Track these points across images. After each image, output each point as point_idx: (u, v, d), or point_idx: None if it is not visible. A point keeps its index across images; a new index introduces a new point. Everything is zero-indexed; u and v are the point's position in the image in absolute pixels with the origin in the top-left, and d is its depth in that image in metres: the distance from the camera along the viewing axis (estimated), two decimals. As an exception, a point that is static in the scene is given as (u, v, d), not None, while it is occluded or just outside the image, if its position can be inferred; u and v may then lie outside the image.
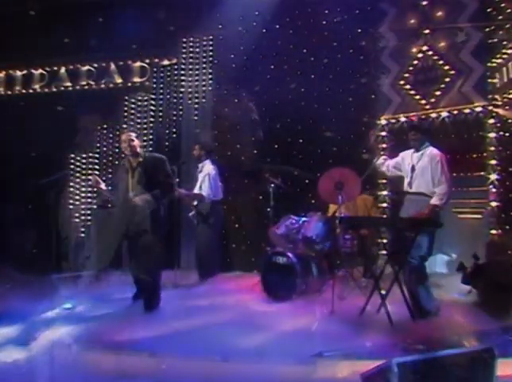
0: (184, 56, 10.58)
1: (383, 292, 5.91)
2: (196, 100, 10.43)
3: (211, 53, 10.47)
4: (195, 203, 8.05)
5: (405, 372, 3.23)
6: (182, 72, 10.53)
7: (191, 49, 10.55)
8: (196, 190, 8.05)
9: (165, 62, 10.85)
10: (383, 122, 9.91)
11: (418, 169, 6.18)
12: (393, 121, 9.80)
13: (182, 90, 10.50)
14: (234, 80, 10.23)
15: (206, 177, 7.96)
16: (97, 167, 10.70)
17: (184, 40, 10.55)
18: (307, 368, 4.43)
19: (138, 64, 10.97)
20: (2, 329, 5.48)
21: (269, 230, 7.90)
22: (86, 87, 11.21)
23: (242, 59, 10.20)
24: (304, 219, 7.58)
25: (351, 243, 7.46)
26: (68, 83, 11.27)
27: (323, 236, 7.36)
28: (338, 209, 7.29)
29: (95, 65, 11.17)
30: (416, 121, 9.13)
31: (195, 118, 10.35)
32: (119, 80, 11.07)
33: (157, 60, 10.87)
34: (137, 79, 10.98)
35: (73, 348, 4.93)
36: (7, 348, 5.06)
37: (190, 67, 10.52)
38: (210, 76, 10.44)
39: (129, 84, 11.01)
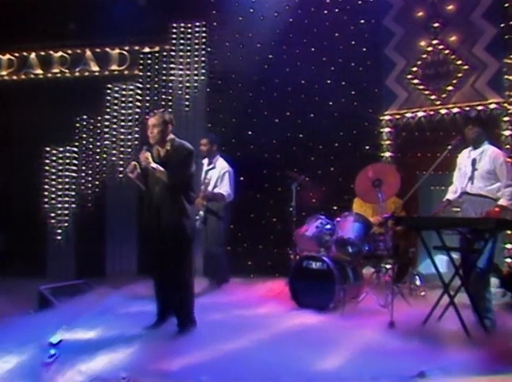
0: (174, 42, 10.08)
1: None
2: (188, 91, 9.99)
3: (203, 40, 10.04)
4: (204, 202, 7.48)
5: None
6: (172, 60, 10.08)
7: (182, 36, 10.09)
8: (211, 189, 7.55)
9: (146, 49, 10.20)
10: (387, 117, 9.59)
11: (479, 169, 5.98)
12: (399, 117, 9.56)
13: (172, 78, 10.04)
14: (228, 70, 9.87)
15: (225, 175, 7.59)
16: (75, 162, 10.00)
17: (175, 25, 10.11)
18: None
19: (117, 51, 10.40)
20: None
21: (296, 232, 7.48)
22: (59, 74, 10.50)
23: (238, 47, 9.92)
24: (337, 219, 7.12)
25: (384, 246, 6.97)
26: (39, 71, 10.52)
27: (361, 238, 6.89)
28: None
29: (69, 52, 10.50)
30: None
31: (187, 109, 9.90)
32: (95, 68, 10.39)
33: (137, 48, 10.28)
34: (115, 68, 10.39)
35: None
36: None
37: (181, 54, 10.07)
38: (202, 65, 10.01)
39: (107, 73, 10.40)
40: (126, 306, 6.75)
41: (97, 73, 10.38)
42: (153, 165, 5.42)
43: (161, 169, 5.39)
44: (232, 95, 9.79)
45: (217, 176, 7.57)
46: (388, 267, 7.27)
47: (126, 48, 10.31)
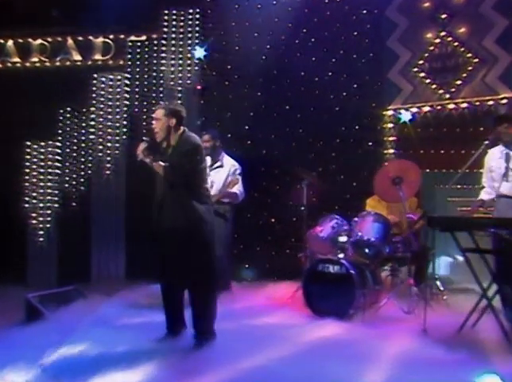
0: (165, 30, 9.46)
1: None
2: (180, 82, 9.40)
3: (197, 29, 9.43)
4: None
5: None
6: (163, 49, 9.46)
7: (174, 23, 9.46)
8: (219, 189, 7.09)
9: (132, 38, 9.56)
10: (390, 112, 9.22)
11: None
12: (402, 111, 9.13)
13: (163, 69, 9.44)
14: (224, 61, 9.42)
15: (237, 172, 7.18)
16: (58, 158, 9.36)
17: (166, 12, 9.47)
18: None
19: (101, 39, 9.75)
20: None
21: (309, 233, 7.09)
22: (38, 64, 9.82)
23: (234, 37, 9.43)
24: (355, 219, 6.76)
25: (403, 247, 6.70)
26: (17, 60, 9.83)
27: (382, 239, 6.53)
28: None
29: (49, 39, 9.81)
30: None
31: (179, 102, 9.06)
32: (78, 57, 9.75)
33: (122, 36, 9.64)
34: (98, 57, 9.75)
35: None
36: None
37: (172, 43, 9.45)
38: (196, 57, 9.37)
39: (90, 63, 9.73)
40: (124, 317, 6.26)
41: (79, 63, 9.71)
42: (148, 159, 5.02)
43: (160, 163, 4.97)
44: (227, 87, 9.32)
45: (226, 174, 7.11)
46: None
47: (111, 36, 9.68)
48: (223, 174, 7.13)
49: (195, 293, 5.11)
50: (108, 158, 9.31)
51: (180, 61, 9.36)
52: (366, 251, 6.60)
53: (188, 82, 9.31)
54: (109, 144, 9.33)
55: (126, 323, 6.00)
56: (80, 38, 9.73)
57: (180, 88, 9.30)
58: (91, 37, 9.72)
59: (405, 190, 6.53)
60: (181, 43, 9.35)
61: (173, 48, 9.35)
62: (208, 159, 7.09)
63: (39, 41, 9.81)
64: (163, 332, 5.35)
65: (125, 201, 9.20)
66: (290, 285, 7.51)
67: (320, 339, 5.44)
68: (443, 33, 8.85)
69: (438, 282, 7.06)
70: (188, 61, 9.33)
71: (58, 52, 9.74)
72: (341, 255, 6.59)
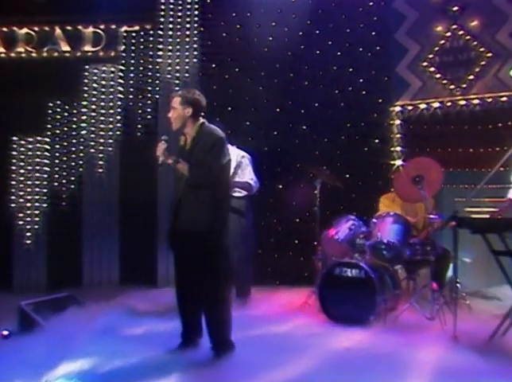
0: (161, 20, 8.95)
1: None
2: (177, 75, 8.91)
3: (196, 19, 8.95)
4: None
5: None
6: (159, 40, 8.95)
7: (171, 13, 8.95)
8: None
9: (124, 28, 9.07)
10: (398, 108, 8.89)
11: None
12: (411, 107, 8.85)
13: (159, 61, 8.93)
14: (224, 52, 8.95)
15: (245, 161, 6.89)
16: (47, 155, 8.77)
17: (163, 1, 8.96)
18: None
19: (91, 29, 9.20)
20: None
21: (323, 234, 6.80)
22: (23, 54, 9.22)
23: (235, 27, 8.99)
24: (373, 220, 6.56)
25: (421, 249, 6.41)
26: (1, 49, 9.24)
27: (403, 242, 6.30)
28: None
29: (36, 29, 9.23)
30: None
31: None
32: (66, 48, 9.19)
33: (114, 27, 9.15)
34: (88, 48, 9.21)
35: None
36: None
37: (169, 34, 8.94)
38: (194, 47, 8.94)
39: (79, 54, 9.16)
40: (127, 325, 5.83)
41: (68, 54, 9.15)
42: (170, 160, 4.69)
43: (181, 162, 4.65)
44: (228, 80, 8.83)
45: (234, 165, 6.63)
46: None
47: (102, 26, 9.15)
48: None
49: (210, 300, 4.78)
50: (100, 155, 8.80)
51: (178, 53, 8.87)
52: (385, 253, 6.34)
53: (186, 75, 8.82)
54: (101, 140, 8.81)
55: (131, 333, 5.61)
56: (69, 28, 9.18)
57: (177, 81, 8.81)
58: (80, 27, 9.17)
59: (427, 189, 6.20)
60: (179, 33, 8.87)
61: (170, 39, 8.86)
62: None
63: (25, 30, 9.22)
64: (176, 341, 4.96)
65: (118, 201, 8.69)
66: (302, 290, 7.24)
67: (346, 348, 5.16)
68: (454, 26, 8.52)
69: (459, 286, 6.65)
70: (186, 53, 8.85)
71: (45, 43, 9.17)
72: (359, 258, 6.29)
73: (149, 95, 8.84)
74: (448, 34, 8.57)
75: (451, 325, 5.37)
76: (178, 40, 8.87)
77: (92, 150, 8.81)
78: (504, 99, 8.16)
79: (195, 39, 8.88)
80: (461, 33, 8.47)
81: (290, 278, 8.15)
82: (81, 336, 5.28)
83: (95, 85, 8.88)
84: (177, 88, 8.66)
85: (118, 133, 8.86)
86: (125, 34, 8.97)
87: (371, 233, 6.47)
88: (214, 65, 8.89)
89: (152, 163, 8.43)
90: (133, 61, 8.94)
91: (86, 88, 8.88)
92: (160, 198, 8.56)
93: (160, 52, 8.88)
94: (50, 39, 9.20)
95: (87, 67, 8.91)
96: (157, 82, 8.88)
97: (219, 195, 4.73)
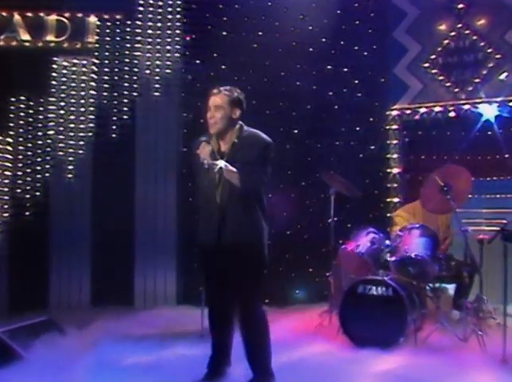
0: (141, 10, 8.14)
1: None
2: (157, 71, 8.13)
3: (178, 9, 8.17)
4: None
5: None
6: (138, 31, 8.12)
7: (150, 2, 8.14)
8: None
9: (92, 19, 8.19)
10: (395, 112, 8.39)
11: None
12: (409, 112, 8.34)
13: (137, 55, 8.11)
14: (210, 47, 8.17)
15: None
16: (9, 157, 7.88)
17: (142, -11, 8.19)
18: None
19: (54, 17, 8.28)
20: None
21: (341, 249, 6.48)
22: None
23: (222, 20, 8.23)
24: (398, 233, 6.17)
25: (446, 265, 6.14)
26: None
27: (432, 256, 5.91)
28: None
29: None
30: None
31: (156, 94, 8.08)
32: (26, 37, 8.24)
33: (80, 15, 8.26)
34: (51, 38, 8.28)
35: None
36: None
37: (149, 25, 8.11)
38: (177, 40, 8.16)
39: (41, 44, 8.26)
40: (125, 353, 5.13)
41: (28, 43, 8.22)
42: (221, 163, 4.11)
43: (231, 168, 4.09)
44: (213, 78, 8.01)
45: None
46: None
47: (67, 14, 8.25)
48: None
49: (251, 322, 4.29)
50: (70, 159, 7.96)
51: (158, 47, 8.08)
52: (412, 269, 5.92)
53: (168, 71, 8.04)
54: (71, 142, 7.97)
55: (135, 362, 4.93)
56: (29, 15, 8.25)
57: (157, 78, 8.03)
58: (42, 14, 8.25)
59: (455, 198, 5.81)
60: (159, 25, 8.07)
61: (150, 31, 8.06)
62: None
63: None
64: (193, 371, 4.46)
65: (90, 211, 7.85)
66: (311, 310, 6.87)
67: (385, 373, 4.67)
68: (459, 25, 8.03)
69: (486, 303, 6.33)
70: (168, 47, 8.06)
71: (2, 30, 8.21)
72: (384, 275, 5.86)
73: (126, 92, 8.03)
74: (453, 33, 8.07)
75: (503, 348, 5.00)
76: (158, 32, 8.09)
77: (61, 153, 7.97)
78: (513, 103, 7.70)
79: (178, 32, 8.11)
80: (467, 32, 7.99)
81: (298, 297, 7.72)
82: (77, 369, 4.60)
83: (64, 79, 8.02)
84: (157, 86, 7.93)
85: (90, 134, 8.04)
86: (99, 23, 8.10)
87: (396, 247, 6.03)
88: (198, 61, 8.13)
89: (128, 168, 7.91)
90: (108, 54, 8.07)
91: (54, 83, 8.01)
92: (138, 208, 7.84)
93: (138, 45, 8.08)
94: (8, 26, 8.22)
95: (55, 59, 8.03)
96: (135, 78, 8.08)
97: (260, 206, 4.31)
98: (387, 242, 6.15)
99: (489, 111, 7.70)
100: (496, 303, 6.72)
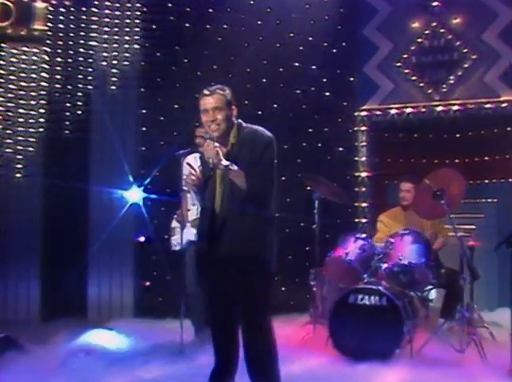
0: (96, -5, 7.63)
1: None
2: (115, 63, 7.56)
3: (139, -3, 7.72)
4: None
5: None
6: (94, 19, 7.52)
7: (108, -12, 7.65)
8: None
9: (39, 4, 7.62)
10: (364, 113, 8.14)
11: None
12: (379, 113, 8.09)
13: (93, 45, 7.52)
14: (172, 39, 7.67)
15: None
16: None
17: (98, -28, 7.64)
18: None
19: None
20: None
21: (329, 256, 6.01)
22: None
23: (185, 10, 7.74)
24: (390, 239, 5.83)
25: (437, 273, 5.89)
26: None
27: (426, 264, 5.68)
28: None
29: None
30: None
31: (113, 88, 7.52)
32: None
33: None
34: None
35: None
36: None
37: (106, 12, 7.53)
38: (136, 30, 7.59)
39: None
40: (101, 371, 4.69)
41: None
42: (226, 162, 3.68)
43: (236, 168, 3.72)
44: (175, 72, 7.60)
45: None
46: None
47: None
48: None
49: (256, 337, 3.88)
50: (19, 157, 7.40)
51: (116, 37, 7.52)
52: (406, 277, 5.70)
53: (126, 63, 7.49)
54: (20, 138, 7.41)
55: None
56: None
57: (114, 70, 7.47)
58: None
59: (448, 203, 5.57)
60: (118, 13, 7.50)
61: (107, 20, 7.49)
62: (195, 158, 5.58)
63: None
64: None
65: (41, 214, 7.27)
66: (293, 320, 6.59)
67: None
68: (434, 23, 7.80)
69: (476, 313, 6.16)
70: (126, 37, 7.51)
71: None
72: (377, 283, 5.61)
73: (80, 85, 7.47)
74: (427, 32, 7.88)
75: (500, 357, 4.87)
76: (117, 21, 7.52)
77: (8, 150, 7.42)
78: (488, 105, 7.49)
79: (137, 21, 7.56)
80: (442, 31, 7.81)
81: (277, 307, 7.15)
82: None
83: (12, 69, 7.43)
84: (113, 79, 7.38)
85: (40, 130, 7.48)
86: (51, 9, 7.49)
87: (388, 254, 5.76)
88: (159, 53, 7.58)
89: (82, 168, 7.31)
90: (61, 43, 7.47)
91: (1, 72, 7.39)
92: (92, 211, 7.29)
93: (94, 34, 7.50)
94: None
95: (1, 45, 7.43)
96: (90, 70, 7.52)
97: (271, 210, 3.92)
98: (379, 248, 5.89)
99: None
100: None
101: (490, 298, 7.20)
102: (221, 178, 3.79)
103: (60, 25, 7.48)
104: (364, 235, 6.01)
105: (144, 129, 7.44)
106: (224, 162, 3.66)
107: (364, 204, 8.02)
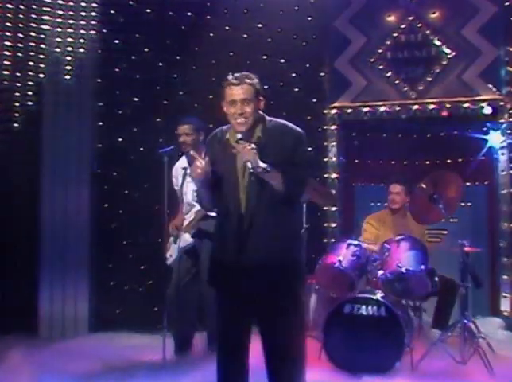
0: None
1: None
2: (69, 49, 6.97)
3: (96, -21, 7.16)
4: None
5: None
6: (47, 1, 6.90)
7: (61, -32, 7.04)
8: None
9: None
10: (334, 111, 7.69)
11: None
12: (350, 111, 7.66)
13: (46, 28, 6.91)
14: (132, 25, 7.20)
15: None
16: None
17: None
18: None
19: None
20: None
21: (320, 263, 5.73)
22: None
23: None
24: (385, 245, 5.65)
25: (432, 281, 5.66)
26: None
27: (426, 272, 5.46)
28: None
29: None
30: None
31: (67, 78, 6.93)
32: None
33: None
34: None
35: None
36: None
37: (60, -4, 7.01)
38: (93, 14, 7.03)
39: None
40: None
41: None
42: (263, 164, 3.36)
43: (274, 170, 3.43)
44: (135, 61, 7.13)
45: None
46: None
47: None
48: None
49: (285, 355, 3.56)
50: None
51: (71, 21, 6.93)
52: (405, 285, 5.49)
53: (81, 50, 6.92)
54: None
55: None
56: None
57: (69, 58, 6.89)
58: None
59: (445, 207, 5.56)
60: (73, -3, 6.97)
61: (61, 2, 6.88)
62: (182, 160, 5.70)
63: None
64: None
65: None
66: None
67: None
68: (411, 17, 7.41)
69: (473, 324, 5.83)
70: (82, 22, 6.93)
71: None
72: (374, 292, 5.43)
73: (31, 73, 6.83)
74: (403, 26, 7.45)
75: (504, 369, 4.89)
76: (71, 3, 6.93)
77: None
78: (467, 105, 7.16)
79: (94, 5, 6.99)
80: (419, 25, 7.40)
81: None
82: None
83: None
84: (67, 68, 6.78)
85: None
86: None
87: (384, 261, 5.57)
88: (117, 41, 7.09)
89: (33, 165, 6.68)
90: (9, 26, 6.76)
91: None
92: (43, 215, 6.66)
93: (46, 17, 6.88)
94: None
95: None
96: (42, 57, 6.90)
97: (297, 215, 3.81)
98: (375, 255, 5.72)
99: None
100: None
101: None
102: (247, 179, 3.47)
103: (9, 5, 6.76)
104: (356, 242, 5.76)
105: (101, 123, 6.93)
106: (262, 164, 3.33)
107: (334, 208, 7.55)
